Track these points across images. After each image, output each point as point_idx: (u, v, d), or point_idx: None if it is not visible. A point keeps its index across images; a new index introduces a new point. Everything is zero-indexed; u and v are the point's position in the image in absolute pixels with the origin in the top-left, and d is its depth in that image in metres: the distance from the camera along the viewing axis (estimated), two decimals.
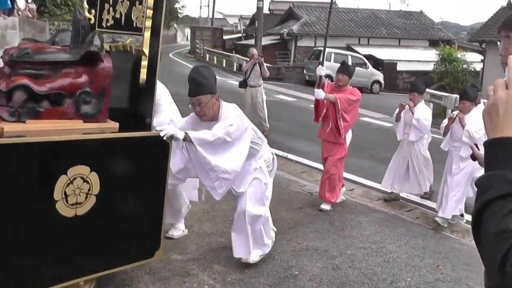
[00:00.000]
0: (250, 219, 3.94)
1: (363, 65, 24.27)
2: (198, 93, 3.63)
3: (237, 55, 27.46)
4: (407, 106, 6.49)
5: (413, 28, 32.76)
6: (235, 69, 26.14)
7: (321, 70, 5.92)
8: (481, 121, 4.19)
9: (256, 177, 3.99)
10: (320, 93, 5.73)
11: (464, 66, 19.00)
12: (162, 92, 4.23)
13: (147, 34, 3.14)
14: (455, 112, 6.06)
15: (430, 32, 32.94)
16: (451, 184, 5.73)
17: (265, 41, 28.15)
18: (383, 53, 28.13)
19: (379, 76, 24.76)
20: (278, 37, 30.65)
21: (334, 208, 5.82)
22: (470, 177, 5.73)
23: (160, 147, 3.30)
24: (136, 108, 3.36)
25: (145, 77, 3.21)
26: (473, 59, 21.43)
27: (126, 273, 3.78)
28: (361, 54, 26.01)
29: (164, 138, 3.26)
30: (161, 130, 3.26)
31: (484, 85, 15.95)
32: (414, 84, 6.94)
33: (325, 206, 5.81)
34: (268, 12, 37.41)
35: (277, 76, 20.16)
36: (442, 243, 5.08)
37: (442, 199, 5.82)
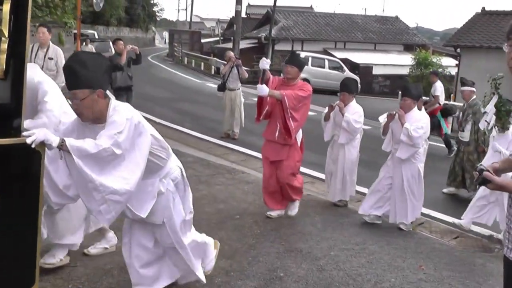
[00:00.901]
0: (182, 250, 3.35)
1: (340, 68, 24.55)
2: (72, 86, 2.85)
3: (215, 58, 27.47)
4: (337, 107, 6.11)
5: (388, 32, 33.29)
6: (213, 72, 26.16)
7: (265, 63, 5.35)
8: (423, 121, 4.71)
9: (168, 207, 3.20)
10: (263, 89, 5.20)
11: (439, 70, 19.39)
12: (46, 87, 3.63)
13: (5, 8, 2.37)
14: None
15: (405, 37, 33.52)
16: (407, 190, 5.49)
17: (243, 44, 28.21)
18: (359, 57, 28.49)
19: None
20: (256, 40, 30.76)
21: (315, 210, 5.85)
22: (419, 178, 5.54)
23: (29, 157, 2.61)
24: None
25: (4, 66, 2.48)
26: (448, 64, 21.90)
27: (112, 276, 3.73)
28: (338, 58, 26.31)
29: (33, 146, 2.54)
30: (28, 136, 2.54)
31: (458, 87, 16.32)
32: (344, 83, 6.38)
33: (293, 211, 5.59)
34: (245, 16, 37.51)
35: (254, 80, 20.26)
36: (423, 244, 5.15)
37: (395, 206, 5.57)
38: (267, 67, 5.36)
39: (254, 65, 26.67)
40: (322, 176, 6.92)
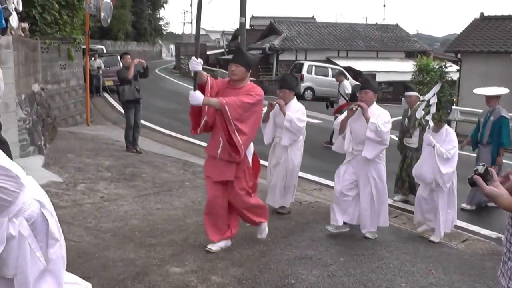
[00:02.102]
0: None
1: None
2: None
3: (221, 69, 27.66)
4: (277, 105, 5.69)
5: (389, 40, 33.43)
6: None
7: (195, 64, 4.22)
8: (387, 115, 4.65)
9: (22, 255, 2.39)
10: (195, 97, 4.17)
11: (442, 76, 19.49)
12: None
13: None
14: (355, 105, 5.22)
15: (406, 44, 33.63)
16: (374, 194, 5.21)
17: None
18: (362, 65, 28.61)
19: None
20: (260, 51, 30.94)
21: (324, 217, 5.88)
22: (384, 179, 5.25)
23: None
24: None
25: None
26: (450, 69, 21.97)
27: (126, 287, 3.82)
28: (341, 67, 26.42)
29: None
30: None
31: (460, 94, 16.37)
32: (284, 79, 5.97)
33: (262, 234, 4.92)
34: (250, 28, 37.74)
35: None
36: (432, 248, 5.19)
37: (361, 212, 5.30)
38: (199, 67, 4.26)
39: (260, 75, 26.87)
40: (330, 183, 6.96)
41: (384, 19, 45.56)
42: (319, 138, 11.12)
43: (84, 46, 13.16)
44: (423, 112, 5.48)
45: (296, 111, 5.64)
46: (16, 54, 7.62)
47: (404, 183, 7.02)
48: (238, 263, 4.38)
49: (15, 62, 7.45)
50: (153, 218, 5.39)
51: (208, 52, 41.43)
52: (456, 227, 5.88)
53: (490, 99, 6.77)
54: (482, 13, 18.46)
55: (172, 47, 54.80)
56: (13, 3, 8.47)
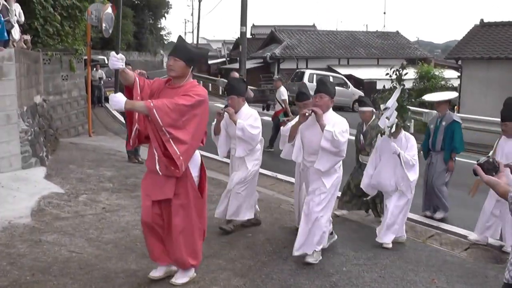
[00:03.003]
0: None
1: (344, 85, 24.67)
2: None
3: (222, 79, 27.73)
4: (226, 114, 5.23)
5: (390, 47, 33.52)
6: (220, 93, 26.44)
7: (115, 60, 3.57)
8: (345, 123, 4.38)
9: None
10: (116, 101, 3.54)
11: (442, 82, 19.50)
12: None
13: None
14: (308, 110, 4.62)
15: (406, 51, 33.69)
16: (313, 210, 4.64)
17: (249, 64, 28.46)
18: (363, 73, 28.64)
19: (360, 95, 25.14)
20: (262, 60, 31.04)
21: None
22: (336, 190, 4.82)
23: None
24: None
25: None
26: (450, 76, 22.01)
27: None
28: (342, 75, 26.47)
29: None
30: None
31: (462, 100, 16.36)
32: (232, 85, 5.47)
33: (180, 279, 4.01)
34: (251, 37, 37.91)
35: (262, 98, 20.40)
36: (434, 256, 5.16)
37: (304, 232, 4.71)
38: (121, 65, 3.59)
39: (261, 84, 26.93)
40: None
41: (384, 26, 45.77)
42: None
43: (85, 57, 13.23)
44: (387, 121, 5.14)
45: (248, 118, 5.18)
46: (18, 66, 7.65)
47: (352, 199, 6.36)
48: (240, 273, 4.36)
49: (17, 74, 7.48)
50: None
51: (210, 62, 41.57)
52: (458, 235, 5.84)
53: (440, 104, 6.60)
54: (482, 20, 18.52)
55: None
56: (16, 15, 8.52)
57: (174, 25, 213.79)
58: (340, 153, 4.54)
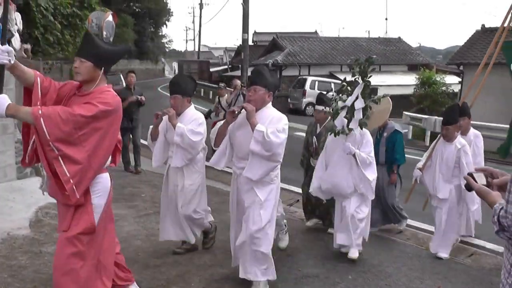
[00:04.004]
0: None
1: None
2: None
3: (223, 84, 27.75)
4: (166, 117, 4.54)
5: (392, 54, 33.51)
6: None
7: (0, 53, 2.82)
8: (284, 122, 3.80)
9: None
10: None
11: (443, 88, 19.45)
12: None
13: None
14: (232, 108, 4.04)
15: (408, 57, 33.69)
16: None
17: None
18: None
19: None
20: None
21: (328, 234, 5.80)
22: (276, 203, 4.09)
23: None
24: None
25: None
26: (452, 81, 21.95)
27: None
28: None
29: None
30: None
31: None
32: (175, 82, 4.73)
33: None
34: (252, 44, 38.00)
35: None
36: (439, 263, 5.12)
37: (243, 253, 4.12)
38: (6, 59, 2.86)
39: None
40: None
41: (386, 32, 45.72)
42: None
43: None
44: (345, 120, 4.67)
45: (191, 122, 4.47)
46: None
47: (315, 209, 6.01)
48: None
49: (16, 84, 7.45)
50: (156, 239, 5.31)
51: (211, 69, 41.66)
52: (462, 241, 5.79)
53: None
54: (483, 25, 18.47)
55: (175, 64, 55.28)
56: (16, 24, 8.52)
57: (175, 33, 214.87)
58: (274, 157, 3.80)
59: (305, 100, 24.05)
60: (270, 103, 4.01)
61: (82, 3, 12.06)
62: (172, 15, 52.07)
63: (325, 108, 5.60)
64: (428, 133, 14.52)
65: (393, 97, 5.75)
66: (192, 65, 40.22)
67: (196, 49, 55.46)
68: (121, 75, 16.86)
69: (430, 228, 6.28)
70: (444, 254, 5.28)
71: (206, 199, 4.95)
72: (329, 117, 5.55)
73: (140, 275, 4.39)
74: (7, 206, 6.09)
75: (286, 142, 3.92)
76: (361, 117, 4.69)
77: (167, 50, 58.50)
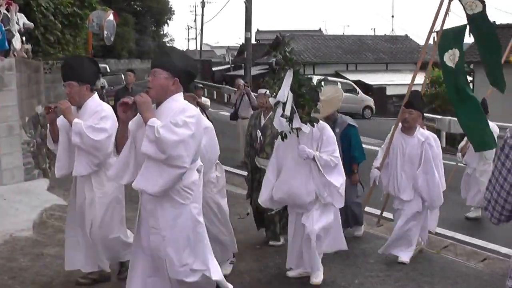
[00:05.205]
0: None
1: (353, 91, 24.46)
2: None
3: (227, 86, 27.68)
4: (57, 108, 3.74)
5: (399, 52, 33.29)
6: (226, 100, 26.36)
7: None
8: (190, 112, 2.90)
9: None
10: None
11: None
12: None
13: None
14: None
15: (416, 55, 33.35)
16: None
17: (254, 71, 28.40)
18: (372, 78, 28.42)
19: (370, 102, 24.95)
20: (267, 66, 30.93)
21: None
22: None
23: None
24: None
25: None
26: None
27: None
28: (350, 80, 26.26)
29: None
30: None
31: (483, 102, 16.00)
32: (69, 65, 3.92)
33: None
34: (255, 42, 37.90)
35: None
36: (449, 268, 4.98)
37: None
38: None
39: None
40: None
41: (393, 30, 45.57)
42: None
43: None
44: (284, 120, 3.85)
45: (93, 115, 3.66)
46: (19, 76, 7.59)
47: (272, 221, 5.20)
48: (248, 286, 4.26)
49: (18, 84, 7.44)
50: None
51: (214, 69, 41.57)
52: (474, 245, 5.67)
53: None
54: (494, 22, 18.24)
55: None
56: (18, 24, 8.49)
57: (177, 32, 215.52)
58: (171, 160, 2.81)
59: None
60: (180, 94, 3.04)
61: (83, 2, 12.03)
62: (173, 13, 52.18)
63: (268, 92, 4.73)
64: (444, 134, 14.19)
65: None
66: None
67: (198, 48, 55.38)
68: (122, 75, 16.79)
69: (443, 231, 6.16)
70: (405, 258, 4.89)
71: (123, 216, 3.98)
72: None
73: None
74: (13, 208, 6.09)
75: None
76: (302, 110, 3.89)
77: None
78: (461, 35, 5.70)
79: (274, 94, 3.98)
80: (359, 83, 26.56)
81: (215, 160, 4.08)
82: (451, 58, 5.65)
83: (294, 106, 3.83)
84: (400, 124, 5.05)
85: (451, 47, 5.65)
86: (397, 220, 4.98)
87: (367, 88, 26.77)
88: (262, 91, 5.10)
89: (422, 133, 4.81)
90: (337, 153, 4.12)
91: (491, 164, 6.63)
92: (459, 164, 7.33)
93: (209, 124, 3.91)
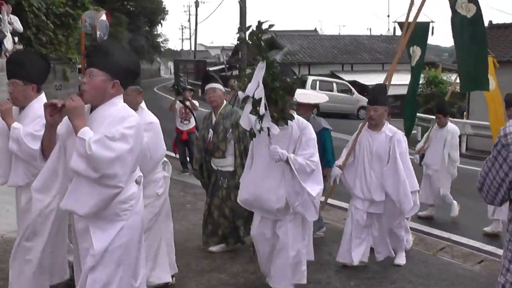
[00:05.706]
0: None
1: (349, 91, 24.45)
2: None
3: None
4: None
5: (395, 52, 33.22)
6: None
7: None
8: (131, 119, 2.55)
9: None
10: None
11: (450, 87, 19.26)
12: None
13: None
14: None
15: None
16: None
17: (249, 71, 28.33)
18: (368, 79, 28.29)
19: (365, 102, 24.87)
20: None
21: (331, 238, 5.63)
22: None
23: None
24: None
25: None
26: (458, 81, 21.73)
27: None
28: (346, 81, 26.22)
29: None
30: None
31: (470, 105, 16.04)
32: (14, 60, 3.52)
33: None
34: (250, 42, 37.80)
35: None
36: (446, 270, 4.95)
37: None
38: None
39: None
40: (337, 203, 6.83)
41: (388, 30, 45.73)
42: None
43: (80, 66, 13.13)
44: (254, 118, 3.45)
45: (34, 120, 3.24)
46: None
47: (218, 228, 4.93)
48: None
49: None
50: None
51: (209, 69, 41.46)
52: (471, 247, 5.64)
53: (301, 107, 4.82)
54: (490, 21, 18.18)
55: (171, 64, 55.18)
56: (9, 23, 8.44)
57: (171, 32, 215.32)
58: (106, 180, 2.46)
59: None
60: (120, 97, 2.64)
61: (75, 3, 11.98)
62: (167, 13, 51.86)
63: (217, 85, 4.63)
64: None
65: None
66: (188, 65, 40.02)
67: (192, 48, 55.25)
68: None
69: (440, 233, 6.19)
70: (401, 260, 4.87)
71: (66, 231, 3.57)
72: (226, 100, 4.80)
73: None
74: (3, 209, 6.01)
75: None
76: (273, 106, 3.48)
77: (162, 49, 58.13)
78: (424, 34, 5.67)
79: (242, 87, 3.68)
80: (355, 83, 26.52)
81: (160, 159, 3.73)
82: (413, 55, 5.70)
83: (265, 103, 3.39)
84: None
85: (415, 44, 5.66)
86: (358, 221, 4.66)
87: (363, 89, 26.74)
88: (212, 85, 4.71)
89: (390, 128, 4.55)
90: (316, 158, 3.68)
91: (456, 167, 6.69)
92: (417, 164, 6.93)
93: (154, 119, 3.63)
